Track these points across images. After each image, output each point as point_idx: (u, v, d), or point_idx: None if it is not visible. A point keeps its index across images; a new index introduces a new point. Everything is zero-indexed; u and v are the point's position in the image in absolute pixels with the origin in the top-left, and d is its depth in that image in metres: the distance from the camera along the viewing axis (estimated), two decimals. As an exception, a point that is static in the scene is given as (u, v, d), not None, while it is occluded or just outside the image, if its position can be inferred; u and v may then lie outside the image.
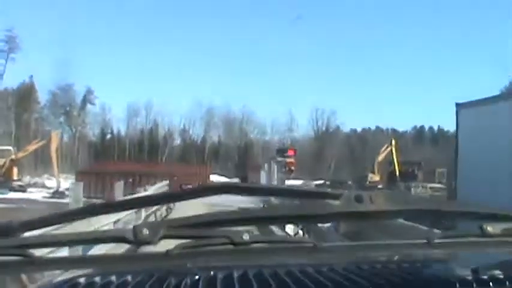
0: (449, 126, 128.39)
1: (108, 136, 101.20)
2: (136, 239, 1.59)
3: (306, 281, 1.33)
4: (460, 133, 19.95)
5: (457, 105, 19.54)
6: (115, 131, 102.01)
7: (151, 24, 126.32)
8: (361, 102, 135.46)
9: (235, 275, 1.41)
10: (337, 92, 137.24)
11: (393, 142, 63.26)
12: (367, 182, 59.16)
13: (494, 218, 1.92)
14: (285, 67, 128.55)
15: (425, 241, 1.83)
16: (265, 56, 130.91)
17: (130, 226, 1.63)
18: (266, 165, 32.59)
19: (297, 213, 1.83)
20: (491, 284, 1.42)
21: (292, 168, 33.84)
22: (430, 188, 51.74)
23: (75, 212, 2.22)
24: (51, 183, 47.53)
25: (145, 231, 1.58)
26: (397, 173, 60.90)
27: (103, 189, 36.30)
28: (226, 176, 74.95)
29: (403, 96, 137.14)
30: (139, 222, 14.74)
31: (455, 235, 1.95)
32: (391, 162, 62.88)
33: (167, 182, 26.16)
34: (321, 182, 68.35)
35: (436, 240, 1.84)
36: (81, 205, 11.18)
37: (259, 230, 1.91)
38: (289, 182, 39.01)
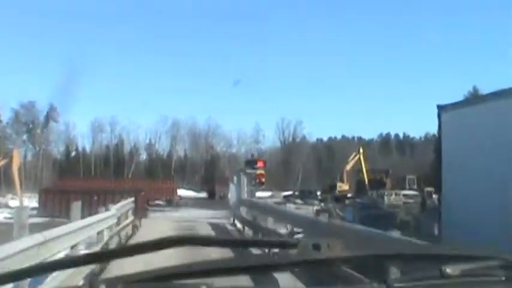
0: (414, 132, 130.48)
1: (73, 153, 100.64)
2: None
3: None
4: (444, 137, 19.00)
5: (439, 107, 18.63)
6: (80, 148, 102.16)
7: (111, 39, 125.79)
8: (327, 111, 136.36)
9: None
10: (303, 102, 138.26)
11: (361, 150, 63.30)
12: (336, 192, 59.10)
13: (452, 258, 1.91)
14: (250, 78, 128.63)
15: (384, 285, 1.77)
16: (230, 68, 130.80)
17: (81, 282, 1.63)
18: (235, 178, 30.96)
19: (254, 264, 1.80)
20: None
21: (263, 180, 32.56)
22: (404, 195, 51.28)
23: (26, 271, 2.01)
24: (15, 202, 46.27)
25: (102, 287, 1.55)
26: (366, 181, 60.66)
27: (67, 208, 35.29)
28: (193, 190, 76.15)
29: (368, 104, 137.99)
30: (101, 244, 14.18)
31: (414, 278, 1.86)
32: (359, 171, 62.90)
33: (132, 199, 25.19)
34: (290, 193, 68.07)
35: (396, 284, 1.78)
36: (26, 230, 10.71)
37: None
38: (259, 194, 38.54)
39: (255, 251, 6.53)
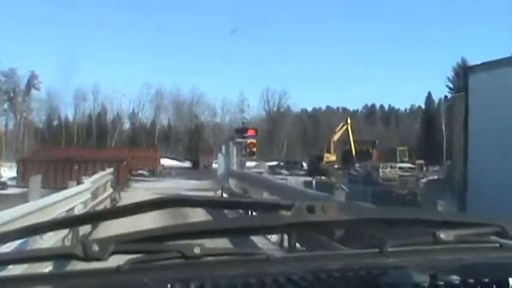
0: (400, 104, 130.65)
1: (56, 122, 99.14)
2: (86, 256, 1.56)
3: None
4: (471, 103, 16.52)
5: (466, 68, 16.42)
6: (62, 117, 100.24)
7: (94, 6, 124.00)
8: (312, 82, 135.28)
9: (192, 287, 1.43)
10: (288, 71, 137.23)
11: (349, 121, 62.29)
12: (323, 162, 58.26)
13: (447, 224, 1.91)
14: (235, 47, 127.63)
15: (378, 250, 1.79)
16: (215, 35, 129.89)
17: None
18: (223, 147, 29.28)
19: (248, 225, 1.83)
20: None
21: (254, 149, 30.71)
22: (400, 168, 49.54)
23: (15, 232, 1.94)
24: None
25: (95, 247, 1.56)
26: (353, 153, 59.90)
27: (47, 178, 34.38)
28: (177, 160, 75.74)
29: (354, 75, 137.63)
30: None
31: (408, 243, 1.86)
32: (345, 142, 62.16)
33: (111, 170, 24.11)
34: (275, 163, 67.36)
35: (389, 249, 1.79)
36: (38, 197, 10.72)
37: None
38: (249, 164, 37.53)
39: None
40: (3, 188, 35.43)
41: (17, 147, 78.80)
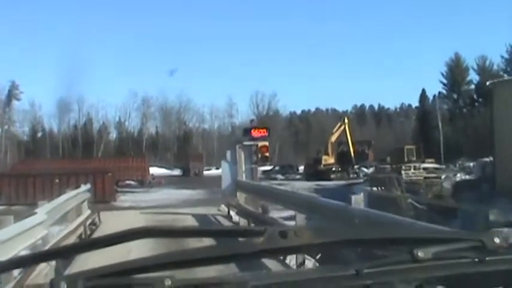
0: (389, 103, 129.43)
1: (40, 134, 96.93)
2: None
3: None
4: (496, 110, 17.51)
5: (491, 84, 17.31)
6: (47, 128, 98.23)
7: (78, 13, 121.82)
8: (300, 83, 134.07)
9: None
10: (276, 74, 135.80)
11: (346, 121, 59.94)
12: (321, 165, 55.76)
13: (424, 241, 1.89)
14: (222, 50, 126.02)
15: (354, 272, 1.75)
16: (200, 39, 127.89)
17: (47, 280, 1.57)
18: (228, 153, 23.75)
19: (220, 254, 1.78)
20: None
21: (267, 154, 25.52)
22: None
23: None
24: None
25: (63, 285, 1.54)
26: (352, 154, 57.60)
27: (26, 194, 31.59)
28: (166, 168, 73.94)
29: (342, 75, 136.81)
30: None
31: (385, 263, 1.82)
32: (341, 143, 59.92)
33: (87, 187, 19.44)
34: (269, 167, 64.58)
35: (366, 270, 1.75)
36: None
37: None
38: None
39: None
40: None
41: (-1, 160, 75.59)
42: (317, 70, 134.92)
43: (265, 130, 25.74)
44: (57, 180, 31.06)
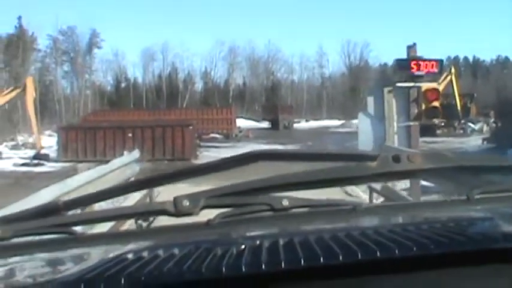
0: (485, 55, 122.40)
1: (123, 84, 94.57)
2: (177, 211, 1.65)
3: (352, 245, 1.34)
4: None
5: None
6: (130, 78, 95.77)
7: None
8: (392, 33, 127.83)
9: (281, 242, 1.42)
10: (368, 23, 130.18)
11: (453, 70, 53.91)
12: (426, 119, 50.42)
13: None
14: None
15: (465, 197, 1.82)
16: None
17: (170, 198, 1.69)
18: (369, 100, 15.64)
19: (334, 176, 1.82)
20: None
21: (436, 104, 16.21)
22: None
23: (114, 190, 2.18)
24: (49, 141, 38.32)
25: (186, 203, 1.64)
26: (459, 106, 52.03)
27: (94, 149, 27.62)
28: (253, 120, 71.22)
29: (434, 26, 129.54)
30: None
31: (495, 190, 1.87)
32: (447, 95, 54.22)
33: (136, 154, 14.50)
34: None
35: (477, 196, 1.81)
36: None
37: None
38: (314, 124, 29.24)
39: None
40: (44, 159, 28.79)
41: (79, 111, 73.56)
42: (409, 20, 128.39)
43: (434, 63, 15.58)
44: (130, 135, 27.48)
